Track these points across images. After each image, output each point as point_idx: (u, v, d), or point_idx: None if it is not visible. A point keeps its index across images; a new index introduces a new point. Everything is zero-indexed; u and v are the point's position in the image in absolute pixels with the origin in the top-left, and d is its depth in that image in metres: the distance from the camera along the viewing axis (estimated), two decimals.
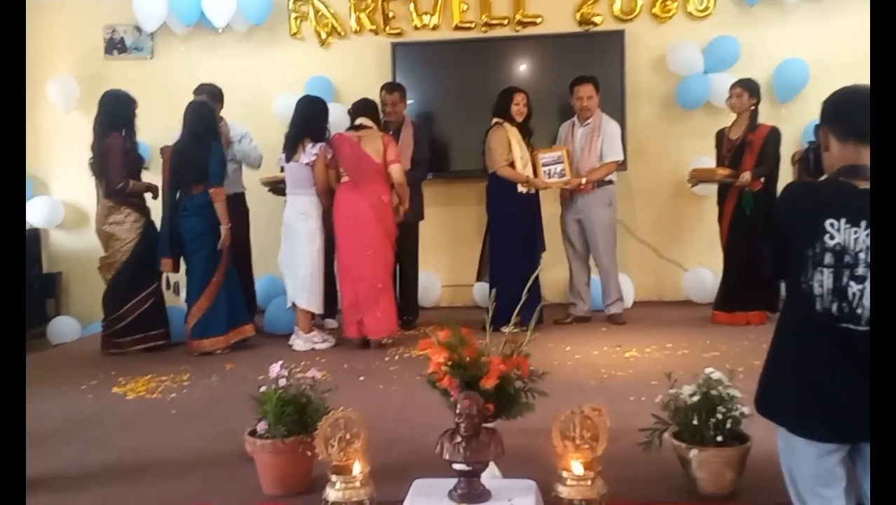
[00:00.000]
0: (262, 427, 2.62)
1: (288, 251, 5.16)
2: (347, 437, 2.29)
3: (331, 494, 2.23)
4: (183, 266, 5.15)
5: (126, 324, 5.11)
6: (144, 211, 5.22)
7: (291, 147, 5.07)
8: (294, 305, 5.16)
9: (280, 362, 2.68)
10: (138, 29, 6.60)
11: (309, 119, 5.12)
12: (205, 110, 5.13)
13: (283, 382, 2.62)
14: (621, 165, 5.72)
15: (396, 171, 5.03)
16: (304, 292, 5.11)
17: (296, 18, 6.59)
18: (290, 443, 2.57)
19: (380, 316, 5.03)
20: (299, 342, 5.13)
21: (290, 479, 2.63)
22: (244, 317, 5.21)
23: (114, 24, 6.67)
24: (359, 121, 5.13)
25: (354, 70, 6.49)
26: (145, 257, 5.13)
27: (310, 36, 6.62)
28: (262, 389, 2.66)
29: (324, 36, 6.57)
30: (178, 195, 5.07)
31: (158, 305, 5.24)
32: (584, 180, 5.48)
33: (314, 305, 5.17)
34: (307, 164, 5.01)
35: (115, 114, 5.10)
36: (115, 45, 6.71)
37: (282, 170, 5.32)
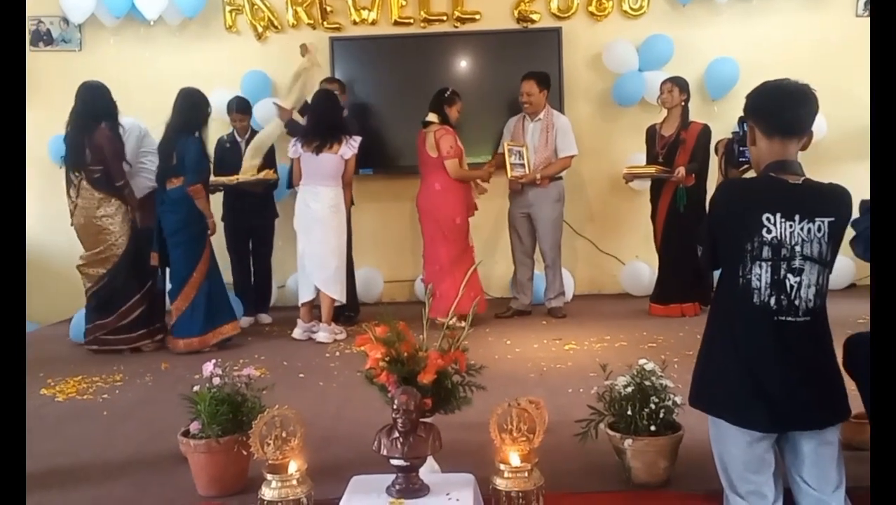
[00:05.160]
0: (195, 427, 2.57)
1: (316, 243, 5.07)
2: (283, 435, 2.25)
3: (267, 493, 2.19)
4: None
5: (131, 321, 4.93)
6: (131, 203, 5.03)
7: (322, 139, 5.04)
8: (317, 296, 5.09)
9: (213, 361, 2.63)
10: (65, 20, 6.38)
11: (338, 114, 5.23)
12: (192, 100, 4.93)
13: (217, 380, 2.57)
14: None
15: None
16: (337, 284, 5.10)
17: (231, 11, 6.46)
18: (224, 442, 2.52)
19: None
20: (323, 334, 5.04)
21: (225, 479, 2.58)
22: (226, 316, 5.04)
23: (39, 16, 6.42)
24: None
25: (292, 65, 6.31)
26: (139, 253, 4.97)
27: (246, 29, 6.50)
28: (196, 388, 2.60)
29: (260, 30, 6.47)
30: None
31: (154, 301, 5.10)
32: (538, 175, 5.51)
33: (344, 295, 5.18)
34: (350, 157, 5.06)
35: (99, 105, 4.91)
36: (40, 37, 6.47)
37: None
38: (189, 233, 4.88)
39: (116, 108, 4.98)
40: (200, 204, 4.86)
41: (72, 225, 5.05)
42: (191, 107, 4.91)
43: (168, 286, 5.10)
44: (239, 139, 5.69)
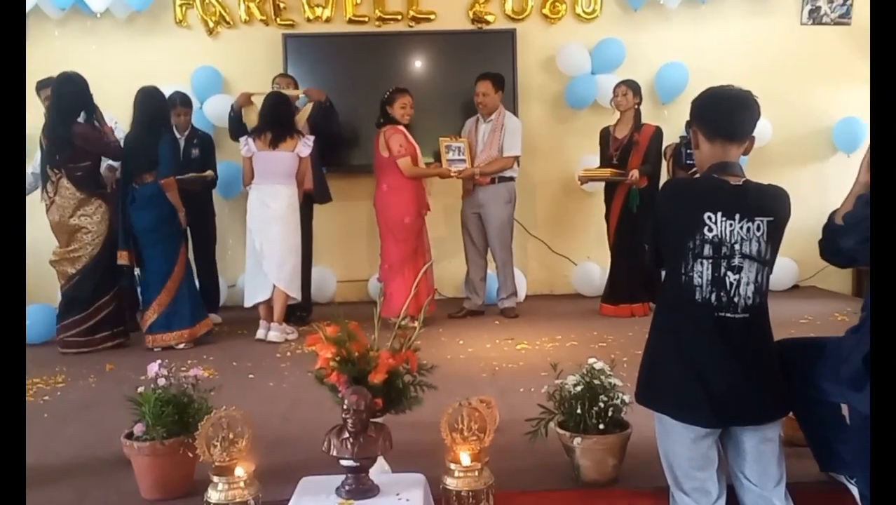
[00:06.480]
0: (139, 429, 2.51)
1: (275, 242, 5.02)
2: (231, 436, 2.22)
3: (213, 495, 2.15)
4: None
5: (94, 323, 4.84)
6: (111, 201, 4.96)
7: (275, 132, 5.04)
8: (272, 298, 5.03)
9: (158, 361, 2.58)
10: None
11: (290, 113, 5.25)
12: (156, 97, 4.92)
13: (162, 381, 2.51)
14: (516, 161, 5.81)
15: None
16: (295, 282, 5.10)
17: (181, 5, 6.33)
18: (169, 445, 2.47)
19: None
20: (274, 334, 4.99)
21: (170, 482, 2.53)
22: (205, 310, 5.09)
23: None
24: None
25: (244, 61, 6.32)
26: (113, 254, 4.88)
27: (196, 24, 6.38)
28: (140, 389, 2.55)
29: (211, 25, 6.36)
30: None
31: (121, 303, 5.03)
32: (478, 171, 5.54)
33: (300, 293, 5.19)
34: (306, 155, 5.09)
35: (79, 99, 4.82)
36: None
37: None
38: (165, 229, 4.84)
39: (94, 103, 4.90)
40: (172, 197, 4.83)
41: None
42: (156, 106, 4.92)
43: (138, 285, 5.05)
44: (178, 135, 5.55)
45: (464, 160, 5.57)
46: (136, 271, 5.04)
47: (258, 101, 5.39)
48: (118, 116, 5.39)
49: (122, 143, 4.98)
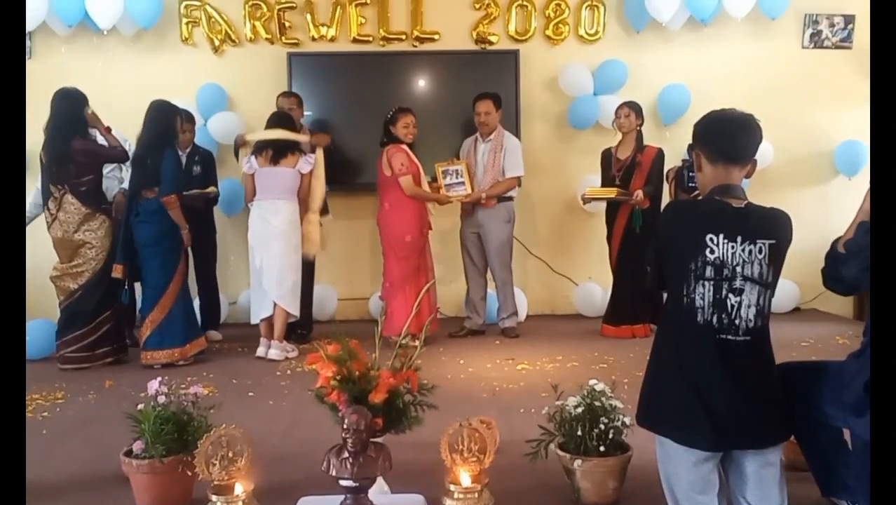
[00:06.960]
0: (138, 447, 2.51)
1: (275, 258, 5.04)
2: (230, 455, 2.22)
3: None
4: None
5: (95, 338, 4.84)
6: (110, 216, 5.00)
7: (276, 149, 5.09)
8: (273, 315, 5.04)
9: (159, 378, 2.58)
10: None
11: (293, 131, 5.25)
12: (165, 112, 4.94)
13: (162, 399, 2.51)
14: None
15: None
16: (294, 299, 5.11)
17: (187, 23, 6.38)
18: (168, 463, 2.46)
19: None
20: (275, 351, 4.98)
21: (169, 500, 2.52)
22: (200, 329, 5.10)
23: None
24: None
25: (249, 79, 6.36)
26: (108, 268, 4.89)
27: (202, 42, 6.43)
28: (140, 406, 2.54)
29: (217, 43, 6.41)
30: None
31: (121, 318, 5.05)
32: (484, 195, 5.55)
33: (298, 310, 5.18)
34: (307, 171, 5.13)
35: (76, 114, 4.84)
36: None
37: None
38: (165, 244, 4.83)
39: (86, 122, 4.92)
40: (174, 214, 4.82)
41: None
42: (165, 119, 4.92)
43: (137, 299, 5.06)
44: (181, 152, 5.56)
45: (463, 183, 5.58)
46: (136, 285, 5.04)
47: (254, 139, 5.41)
48: (124, 132, 5.42)
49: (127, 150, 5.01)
